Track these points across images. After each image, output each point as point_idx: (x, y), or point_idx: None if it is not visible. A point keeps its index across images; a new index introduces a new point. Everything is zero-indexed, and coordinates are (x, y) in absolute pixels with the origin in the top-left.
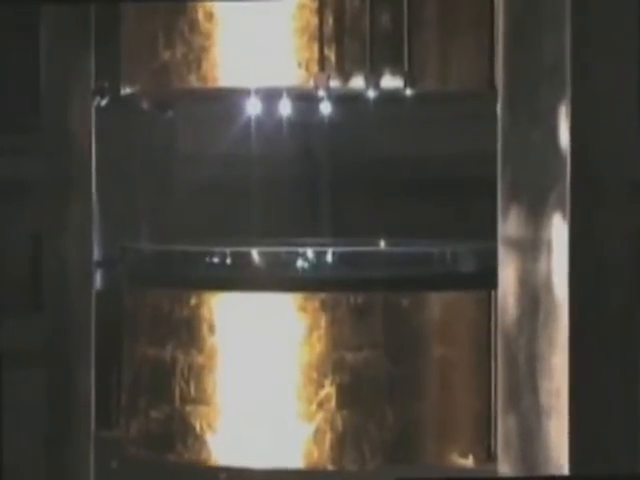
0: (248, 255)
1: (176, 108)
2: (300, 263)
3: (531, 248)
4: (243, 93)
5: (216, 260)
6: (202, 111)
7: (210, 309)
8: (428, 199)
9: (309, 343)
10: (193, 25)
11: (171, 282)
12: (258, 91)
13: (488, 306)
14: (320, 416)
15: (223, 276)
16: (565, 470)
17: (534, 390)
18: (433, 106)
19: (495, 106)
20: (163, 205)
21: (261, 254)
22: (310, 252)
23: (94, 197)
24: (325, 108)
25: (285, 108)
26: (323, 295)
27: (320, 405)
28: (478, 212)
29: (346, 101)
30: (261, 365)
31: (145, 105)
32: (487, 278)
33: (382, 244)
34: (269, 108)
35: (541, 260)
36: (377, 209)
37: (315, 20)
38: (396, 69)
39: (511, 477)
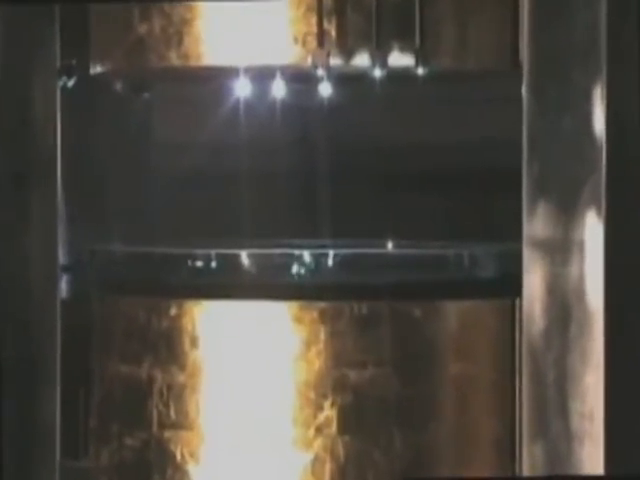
0: (236, 258)
1: (154, 90)
2: (296, 267)
3: (561, 250)
4: (231, 73)
5: (200, 264)
6: (183, 93)
7: (193, 320)
8: (442, 195)
9: (306, 359)
10: None
11: (148, 289)
12: (248, 70)
13: (511, 316)
14: (319, 443)
15: (208, 282)
16: None
17: (564, 413)
18: (448, 88)
19: (520, 88)
20: (139, 201)
21: (251, 257)
22: (307, 255)
23: (59, 191)
24: (325, 90)
25: (279, 90)
26: (322, 304)
27: (319, 430)
28: (500, 209)
29: (349, 82)
30: (251, 384)
31: (118, 86)
32: (510, 284)
33: (389, 246)
34: (260, 90)
35: (572, 264)
36: (384, 206)
37: None
38: (406, 45)
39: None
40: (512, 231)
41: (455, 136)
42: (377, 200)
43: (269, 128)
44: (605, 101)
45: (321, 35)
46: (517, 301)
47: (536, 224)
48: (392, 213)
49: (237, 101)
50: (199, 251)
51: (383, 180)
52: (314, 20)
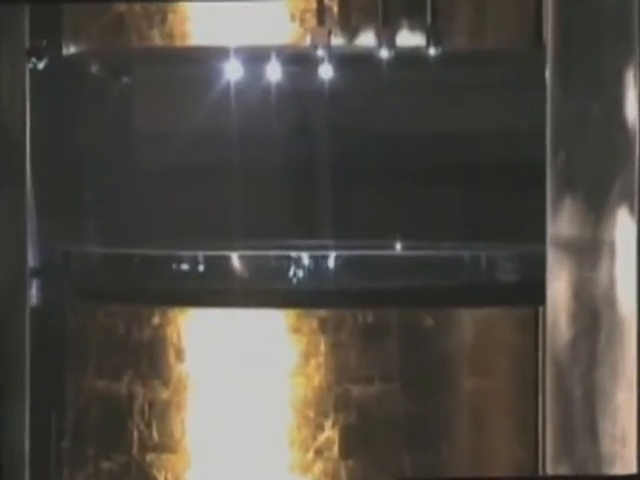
0: (227, 261)
1: (134, 73)
2: (293, 271)
3: (589, 252)
4: (220, 54)
5: (186, 267)
6: (167, 77)
7: (178, 330)
8: (457, 190)
9: (305, 373)
10: None
11: (128, 295)
12: (239, 51)
13: (534, 326)
14: (319, 467)
15: (194, 287)
16: None
17: (593, 434)
18: (463, 70)
19: (543, 70)
20: (118, 197)
21: (243, 259)
22: (306, 257)
23: (28, 187)
24: (325, 72)
25: (274, 73)
26: (323, 312)
27: (319, 453)
28: (521, 206)
29: (352, 64)
30: (243, 402)
31: (94, 69)
32: (532, 290)
33: (398, 247)
34: (254, 73)
35: (602, 267)
36: (392, 202)
37: None
38: (416, 23)
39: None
40: (535, 231)
41: (471, 125)
42: (384, 196)
43: (263, 116)
44: (638, 85)
45: (321, 12)
46: (540, 309)
47: (561, 223)
48: (401, 210)
49: (227, 86)
50: (185, 253)
51: (390, 173)
52: None
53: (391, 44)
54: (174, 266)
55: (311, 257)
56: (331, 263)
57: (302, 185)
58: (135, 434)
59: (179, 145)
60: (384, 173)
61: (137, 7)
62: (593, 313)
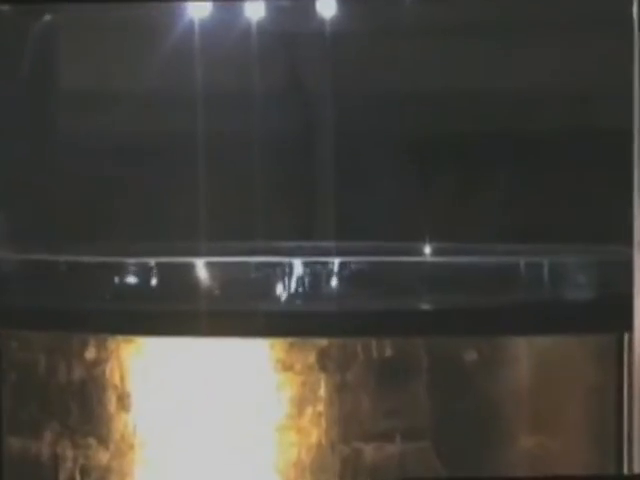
0: (189, 271)
1: (59, 12)
2: (283, 285)
3: None
4: None
5: (132, 280)
6: (104, 17)
7: (121, 367)
8: (507, 175)
9: (299, 428)
10: None
11: (52, 318)
12: None
13: (617, 358)
14: None
15: (145, 308)
16: None
17: None
18: (518, 8)
19: (630, 7)
20: (38, 185)
21: (212, 268)
22: (300, 265)
23: None
24: (326, 9)
25: (254, 11)
26: (323, 341)
27: None
28: (597, 198)
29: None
30: (214, 468)
31: (5, 7)
32: (614, 310)
33: (426, 251)
34: (226, 12)
35: None
36: (416, 191)
37: None
38: None
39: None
40: (616, 231)
41: (529, 84)
42: (405, 182)
43: (241, 72)
44: None
45: None
46: (626, 336)
47: None
48: (429, 202)
49: (189, 29)
50: (131, 260)
51: (414, 152)
52: None
53: None
54: (116, 279)
55: (307, 265)
56: (334, 274)
57: (294, 168)
58: None
59: (123, 111)
60: (406, 152)
61: None
62: None
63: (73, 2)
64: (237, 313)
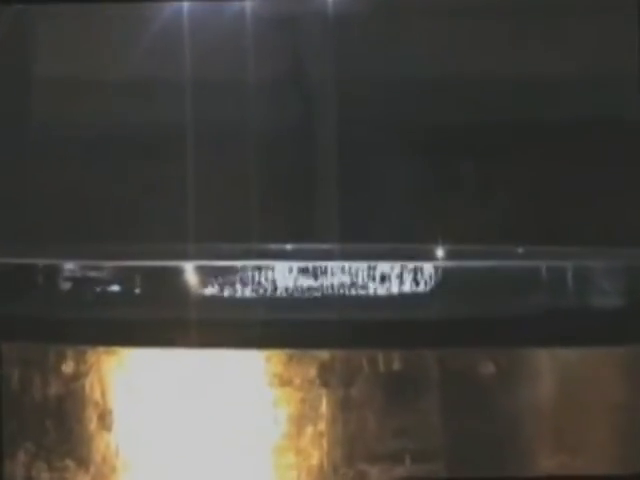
0: (175, 276)
1: None
2: (279, 291)
3: None
4: None
5: (114, 288)
6: None
7: (102, 381)
8: (528, 169)
9: (298, 448)
10: None
11: (24, 327)
12: None
13: None
14: None
15: (127, 317)
16: None
17: None
18: None
19: None
20: (10, 183)
21: (201, 273)
22: (297, 269)
23: None
24: None
25: None
26: (324, 354)
27: None
28: (623, 200)
29: None
30: None
31: None
32: None
33: (439, 254)
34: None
35: None
36: (428, 187)
37: None
38: None
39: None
40: None
41: (551, 70)
42: (416, 178)
43: (234, 58)
44: None
45: None
46: None
47: None
48: (443, 200)
49: (177, 13)
50: (110, 263)
51: (426, 144)
52: None
53: None
54: (97, 283)
55: (306, 269)
56: (335, 278)
57: (292, 160)
58: None
59: (101, 98)
60: (417, 143)
61: None
62: None
63: None
64: (230, 322)
